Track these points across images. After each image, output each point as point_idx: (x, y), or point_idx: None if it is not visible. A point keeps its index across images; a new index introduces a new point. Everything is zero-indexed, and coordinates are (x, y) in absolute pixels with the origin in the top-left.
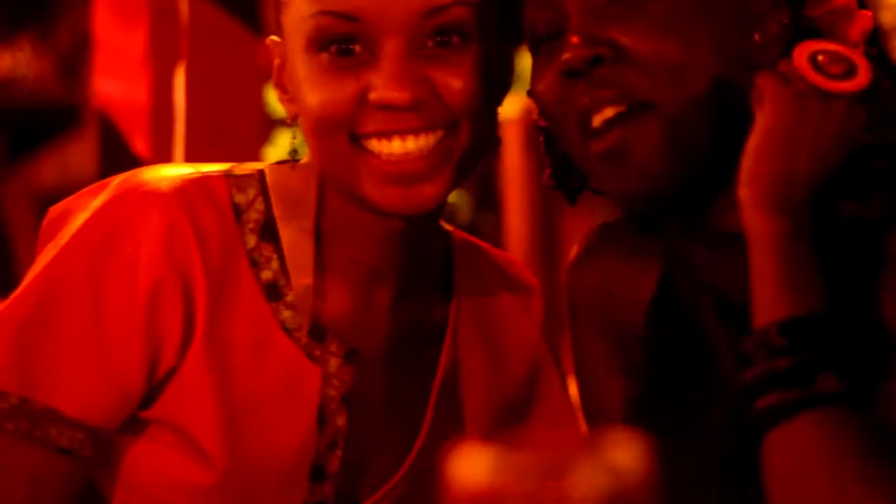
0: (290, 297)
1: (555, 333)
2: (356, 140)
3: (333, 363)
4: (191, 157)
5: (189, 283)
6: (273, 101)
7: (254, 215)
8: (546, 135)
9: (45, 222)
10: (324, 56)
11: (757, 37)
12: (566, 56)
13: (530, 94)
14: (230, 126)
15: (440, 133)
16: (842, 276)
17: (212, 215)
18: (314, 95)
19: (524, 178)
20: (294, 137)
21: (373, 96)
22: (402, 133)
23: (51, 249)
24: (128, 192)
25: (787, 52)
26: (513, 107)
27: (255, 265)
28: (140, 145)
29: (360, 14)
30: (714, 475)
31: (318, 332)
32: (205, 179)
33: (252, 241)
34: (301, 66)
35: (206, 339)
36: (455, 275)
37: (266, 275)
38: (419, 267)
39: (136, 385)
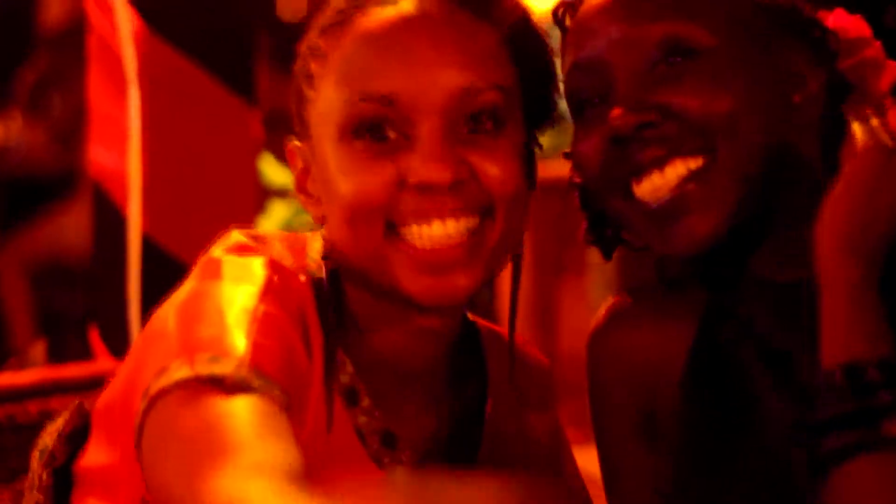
0: (365, 403)
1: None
2: (392, 228)
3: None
4: (187, 228)
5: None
6: (267, 170)
7: (326, 320)
8: (582, 192)
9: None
10: (358, 143)
11: (797, 97)
12: (616, 123)
13: (570, 155)
14: (224, 196)
15: (476, 219)
16: None
17: (310, 315)
18: (349, 183)
19: None
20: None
21: (412, 178)
22: (442, 215)
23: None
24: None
25: (830, 112)
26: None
27: (332, 368)
28: (132, 215)
29: (395, 96)
30: None
31: (390, 439)
32: (300, 284)
33: (329, 344)
34: (332, 157)
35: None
36: (489, 367)
37: (344, 378)
38: (454, 361)
39: None
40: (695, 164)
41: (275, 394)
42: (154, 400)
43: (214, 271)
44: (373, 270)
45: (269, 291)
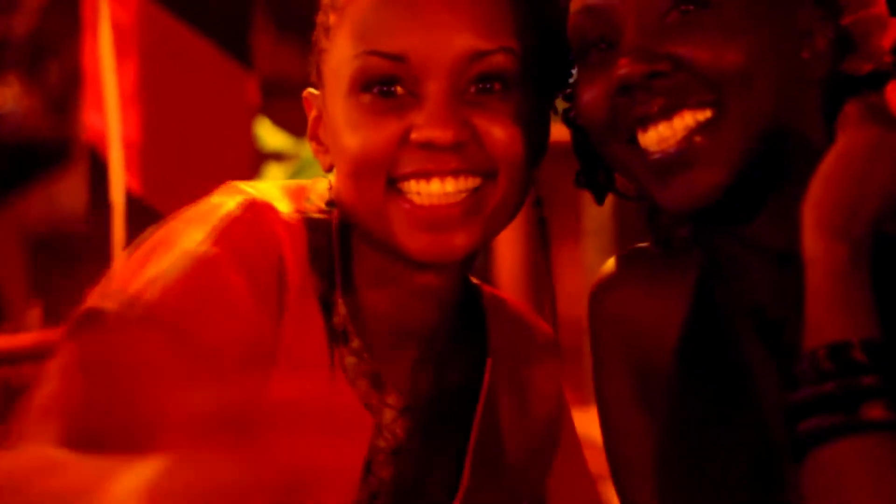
0: (355, 344)
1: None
2: (393, 183)
3: (388, 415)
4: (181, 191)
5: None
6: (263, 134)
7: (324, 262)
8: (578, 135)
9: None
10: (366, 97)
11: (806, 53)
12: (623, 72)
13: (572, 98)
14: (221, 159)
15: (478, 180)
16: (892, 305)
17: (293, 254)
18: (355, 137)
19: None
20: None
21: (415, 135)
22: (442, 174)
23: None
24: (256, 209)
25: (833, 69)
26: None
27: (327, 309)
28: (130, 180)
29: (405, 54)
30: (746, 496)
31: (379, 383)
32: (287, 220)
33: (323, 285)
34: (342, 109)
35: (277, 371)
36: (489, 330)
37: (336, 319)
38: (454, 323)
39: None
40: (703, 115)
41: (163, 333)
42: (72, 323)
43: (185, 213)
44: (373, 224)
45: (224, 233)
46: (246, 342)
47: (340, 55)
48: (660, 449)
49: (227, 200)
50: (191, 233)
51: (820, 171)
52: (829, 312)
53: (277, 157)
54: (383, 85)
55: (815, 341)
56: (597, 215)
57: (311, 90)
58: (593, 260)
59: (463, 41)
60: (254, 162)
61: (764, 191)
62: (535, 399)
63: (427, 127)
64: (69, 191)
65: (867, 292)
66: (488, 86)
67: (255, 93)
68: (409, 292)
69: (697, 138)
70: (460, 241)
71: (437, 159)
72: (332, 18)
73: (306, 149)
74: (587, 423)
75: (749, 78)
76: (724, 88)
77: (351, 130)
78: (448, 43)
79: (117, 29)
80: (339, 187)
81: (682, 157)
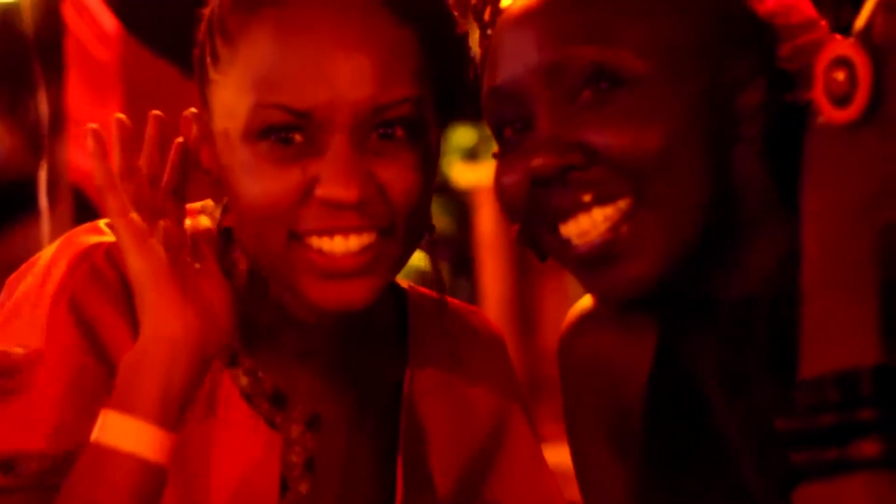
0: (247, 364)
1: (531, 396)
2: (294, 236)
3: (295, 430)
4: None
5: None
6: None
7: None
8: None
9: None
10: (263, 145)
11: (739, 107)
12: (535, 164)
13: (496, 182)
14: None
15: (376, 235)
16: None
17: None
18: (254, 186)
19: (498, 244)
20: None
21: (318, 192)
22: (345, 231)
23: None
24: (89, 250)
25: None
26: (486, 174)
27: None
28: None
29: (309, 110)
30: None
31: (279, 399)
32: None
33: None
34: (238, 153)
35: None
36: (409, 334)
37: None
38: (361, 335)
39: None
40: (625, 205)
41: None
42: None
43: (35, 264)
44: (274, 270)
45: (67, 279)
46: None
47: (236, 98)
48: (633, 494)
49: (68, 253)
50: (32, 279)
51: (808, 186)
52: (839, 336)
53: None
54: (282, 132)
55: (821, 368)
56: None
57: (193, 109)
58: (579, 292)
59: (366, 94)
60: None
61: (711, 252)
62: (477, 401)
63: (331, 184)
64: (54, 228)
65: (877, 313)
66: (390, 132)
67: None
68: (295, 324)
69: (621, 230)
70: (363, 291)
71: (339, 217)
72: (220, 47)
73: None
74: (568, 455)
75: (670, 163)
76: (644, 178)
77: (249, 178)
78: (351, 97)
79: (100, 67)
80: (237, 230)
81: (605, 249)
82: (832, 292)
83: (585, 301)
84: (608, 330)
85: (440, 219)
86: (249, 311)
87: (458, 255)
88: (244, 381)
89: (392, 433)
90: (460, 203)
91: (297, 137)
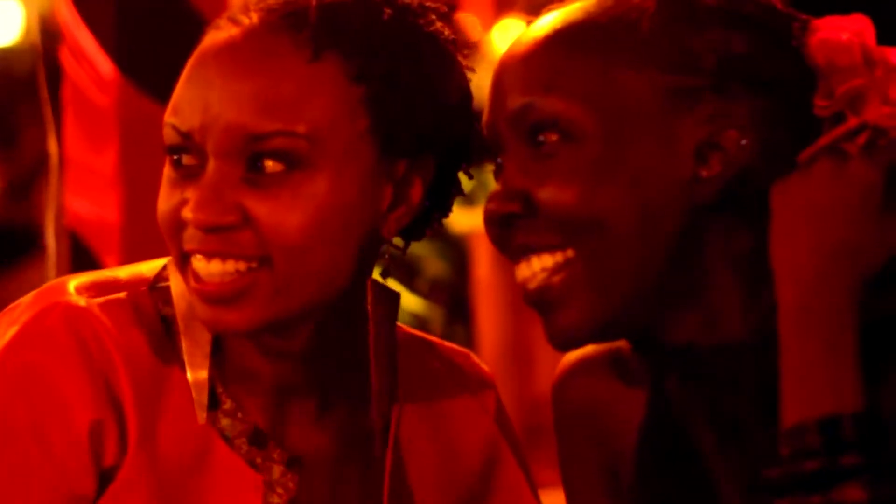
0: (227, 405)
1: (527, 441)
2: (185, 257)
3: (276, 470)
4: None
5: (116, 398)
6: None
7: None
8: None
9: None
10: (168, 164)
11: (704, 172)
12: (486, 207)
13: None
14: None
15: (246, 264)
16: (871, 375)
17: (137, 330)
18: (158, 204)
19: (495, 290)
20: None
21: (183, 213)
22: (208, 255)
23: None
24: (46, 310)
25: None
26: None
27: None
28: (111, 265)
29: (189, 132)
30: None
31: (259, 440)
32: (131, 296)
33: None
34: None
35: (140, 454)
36: (398, 375)
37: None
38: (342, 372)
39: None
40: (561, 257)
41: None
42: None
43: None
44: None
45: (26, 337)
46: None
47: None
48: None
49: (36, 310)
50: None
51: (785, 227)
52: (819, 383)
53: None
54: (175, 153)
55: (804, 415)
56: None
57: None
58: None
59: (240, 123)
60: None
61: (679, 302)
62: (465, 442)
63: (192, 206)
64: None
65: (857, 358)
66: (261, 164)
67: None
68: (267, 354)
69: (552, 280)
70: (235, 317)
71: (206, 240)
72: None
73: None
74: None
75: (607, 223)
76: (579, 234)
77: (161, 190)
78: (222, 123)
79: (97, 111)
80: None
81: (540, 297)
82: (810, 340)
83: (578, 350)
84: (601, 376)
85: (437, 263)
86: (227, 350)
87: (454, 300)
88: (224, 422)
89: (378, 473)
90: (457, 248)
91: (186, 160)
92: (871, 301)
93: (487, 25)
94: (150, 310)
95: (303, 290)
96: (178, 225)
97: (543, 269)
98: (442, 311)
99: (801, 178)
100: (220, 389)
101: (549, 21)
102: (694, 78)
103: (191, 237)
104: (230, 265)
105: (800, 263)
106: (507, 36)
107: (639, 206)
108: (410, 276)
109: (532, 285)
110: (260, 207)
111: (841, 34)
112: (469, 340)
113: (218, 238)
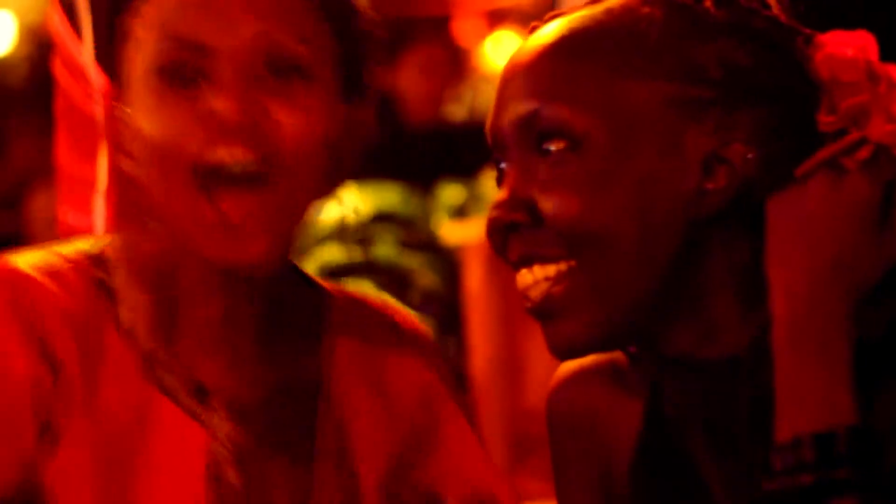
0: (167, 361)
1: (516, 453)
2: (197, 178)
3: (219, 423)
4: None
5: (55, 357)
6: None
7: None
8: None
9: None
10: (166, 81)
11: (710, 184)
12: (491, 214)
13: None
14: None
15: (270, 186)
16: (866, 389)
17: (77, 294)
18: (157, 123)
19: (487, 302)
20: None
21: (208, 108)
22: (234, 161)
23: None
24: None
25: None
26: (474, 232)
27: (131, 336)
28: None
29: (200, 41)
30: None
31: (200, 393)
32: (72, 263)
33: (124, 313)
34: (143, 100)
35: (84, 415)
36: (330, 331)
37: (142, 341)
38: (277, 327)
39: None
40: (564, 267)
41: None
42: None
43: None
44: (176, 224)
45: None
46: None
47: (145, 37)
48: None
49: None
50: None
51: (781, 243)
52: (815, 397)
53: None
54: (181, 67)
55: (797, 428)
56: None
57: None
58: None
59: (255, 27)
60: None
61: (677, 314)
62: (402, 395)
63: (217, 102)
64: None
65: (851, 371)
66: (285, 74)
67: None
68: (224, 297)
69: (553, 290)
70: (254, 248)
71: (226, 137)
72: (136, 25)
73: None
74: None
75: (610, 235)
76: (582, 245)
77: (153, 120)
78: (240, 28)
79: (88, 122)
80: (146, 189)
81: (541, 306)
82: (804, 354)
83: (573, 363)
84: (597, 387)
85: (428, 275)
86: (162, 307)
87: (445, 313)
88: (165, 378)
89: (314, 426)
90: (448, 260)
91: (195, 73)
92: (867, 314)
93: (480, 37)
94: (91, 275)
95: (301, 212)
96: (191, 134)
97: (546, 279)
98: (433, 322)
99: (798, 193)
100: (159, 346)
101: (555, 28)
102: (701, 89)
103: (207, 139)
104: (257, 192)
105: (795, 278)
106: (500, 48)
107: (643, 216)
108: (402, 288)
109: (534, 294)
110: (280, 108)
111: (846, 49)
112: (460, 352)
113: (241, 138)
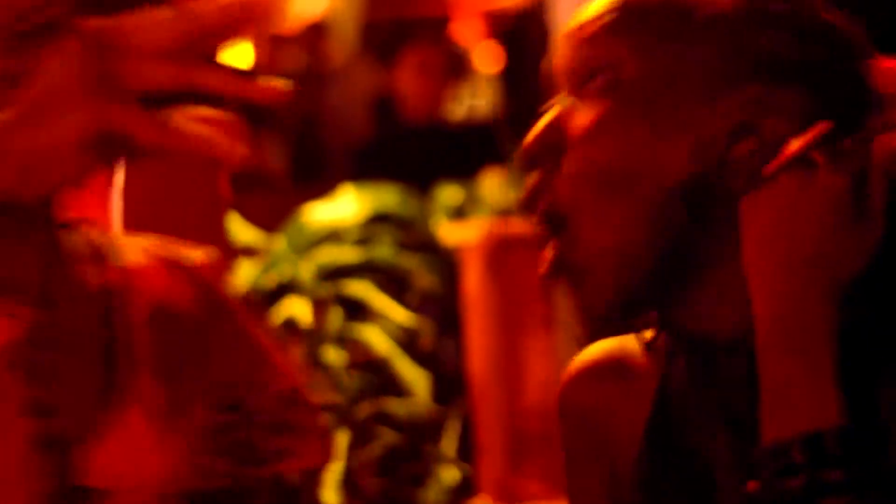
0: None
1: (516, 454)
2: None
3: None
4: None
5: None
6: (234, 229)
7: None
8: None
9: None
10: None
11: (735, 152)
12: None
13: None
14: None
15: None
16: (853, 385)
17: None
18: None
19: (485, 303)
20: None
21: None
22: None
23: None
24: None
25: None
26: (472, 233)
27: None
28: None
29: None
30: None
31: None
32: None
33: None
34: None
35: None
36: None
37: None
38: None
39: None
40: (573, 225)
41: None
42: None
43: None
44: None
45: None
46: None
47: None
48: None
49: None
50: None
51: (759, 236)
52: (798, 397)
53: (248, 252)
54: None
55: (786, 430)
56: (569, 305)
57: None
58: (565, 349)
59: None
60: (226, 257)
61: (680, 282)
62: (179, 310)
63: None
64: None
65: (836, 371)
66: None
67: (226, 188)
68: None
69: (560, 246)
70: None
71: None
72: None
73: (277, 243)
74: None
75: (626, 180)
76: (578, 220)
77: None
78: None
79: None
80: None
81: (557, 262)
82: (787, 354)
83: (585, 354)
84: (608, 381)
85: (426, 276)
86: None
87: (444, 314)
88: None
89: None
90: (447, 261)
91: None
92: (852, 308)
93: (478, 38)
94: None
95: None
96: None
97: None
98: (431, 324)
99: (769, 191)
100: None
101: None
102: (748, 68)
103: None
104: None
105: (772, 277)
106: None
107: (662, 168)
108: (400, 290)
109: (545, 247)
110: None
111: None
112: (459, 353)
113: None
